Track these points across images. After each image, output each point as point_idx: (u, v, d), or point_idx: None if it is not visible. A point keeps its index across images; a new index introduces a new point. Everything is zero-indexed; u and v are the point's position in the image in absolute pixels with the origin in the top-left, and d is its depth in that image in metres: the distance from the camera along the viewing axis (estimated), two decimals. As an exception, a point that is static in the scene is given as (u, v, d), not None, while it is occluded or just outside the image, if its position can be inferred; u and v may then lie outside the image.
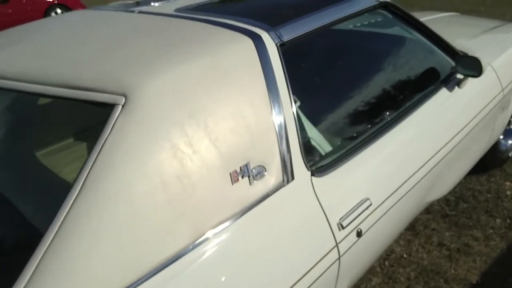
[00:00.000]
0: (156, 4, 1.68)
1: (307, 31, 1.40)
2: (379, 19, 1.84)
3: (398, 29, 1.84)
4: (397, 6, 1.76)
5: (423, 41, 1.87)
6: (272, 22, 1.36)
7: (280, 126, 1.22)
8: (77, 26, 1.49)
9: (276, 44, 1.29)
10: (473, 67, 1.78)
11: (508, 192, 2.65)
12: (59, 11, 8.77)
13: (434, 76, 1.87)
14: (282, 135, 1.22)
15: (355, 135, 1.53)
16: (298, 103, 1.40)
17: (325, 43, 1.73)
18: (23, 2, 8.27)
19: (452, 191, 2.59)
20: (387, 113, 1.62)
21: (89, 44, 1.28)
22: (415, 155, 1.61)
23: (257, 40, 1.26)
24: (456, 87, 1.87)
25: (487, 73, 2.09)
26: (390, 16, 1.77)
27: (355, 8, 1.59)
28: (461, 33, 2.63)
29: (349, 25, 1.85)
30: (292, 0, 1.65)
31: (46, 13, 8.60)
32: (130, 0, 1.88)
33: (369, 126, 1.57)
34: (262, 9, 1.52)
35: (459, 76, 1.89)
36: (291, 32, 1.35)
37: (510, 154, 2.86)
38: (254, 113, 1.17)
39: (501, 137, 2.73)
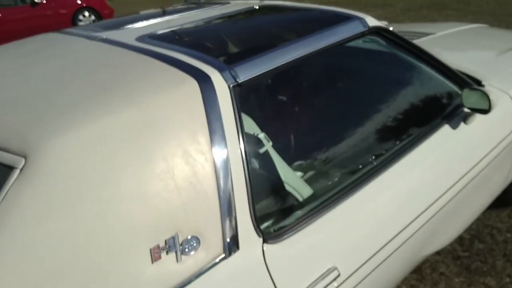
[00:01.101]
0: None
1: (272, 68, 1.20)
2: (371, 47, 1.61)
3: (391, 57, 1.61)
4: (392, 31, 1.53)
5: (423, 70, 1.63)
6: (230, 58, 1.18)
7: (224, 183, 1.03)
8: (19, 59, 1.36)
9: (229, 86, 1.11)
10: (480, 102, 1.52)
11: (532, 232, 2.34)
12: (87, 14, 8.89)
13: (434, 111, 1.62)
14: (227, 195, 1.03)
15: (325, 187, 1.33)
16: (254, 153, 1.21)
17: (297, 78, 1.52)
18: (52, 6, 8.42)
19: (468, 228, 2.31)
20: (370, 159, 1.39)
21: (15, 84, 1.14)
22: (405, 208, 1.38)
23: (205, 82, 1.08)
24: (462, 124, 1.62)
25: (504, 103, 1.81)
26: (383, 43, 1.54)
27: (337, 37, 1.38)
28: (483, 50, 2.35)
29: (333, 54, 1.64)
30: (266, 28, 1.46)
31: (74, 16, 8.74)
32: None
33: (345, 175, 1.36)
34: (224, 41, 1.33)
35: (467, 110, 1.64)
36: (250, 71, 1.16)
37: (538, 186, 2.54)
38: (190, 171, 0.99)
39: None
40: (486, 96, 1.50)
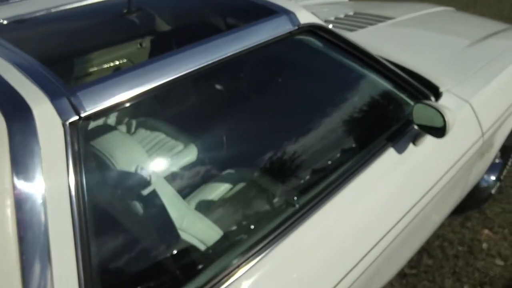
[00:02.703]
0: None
1: (146, 90, 0.85)
2: (302, 50, 1.27)
3: (328, 63, 1.28)
4: (330, 30, 1.19)
5: (368, 77, 1.31)
6: (77, 77, 0.82)
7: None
8: None
9: (63, 123, 0.75)
10: (434, 121, 1.24)
11: (484, 245, 2.15)
12: None
13: (379, 128, 1.33)
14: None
15: (241, 232, 1.03)
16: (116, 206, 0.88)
17: (190, 98, 1.18)
18: None
19: (416, 240, 2.10)
20: (294, 198, 1.09)
21: None
22: (341, 251, 1.10)
23: (19, 121, 0.72)
24: (411, 145, 1.33)
25: (463, 114, 1.54)
26: (319, 44, 1.21)
27: (251, 39, 1.03)
28: (445, 43, 2.05)
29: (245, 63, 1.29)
30: (150, 26, 1.08)
31: None
32: None
33: (264, 220, 1.05)
34: (77, 48, 0.96)
35: (417, 127, 1.35)
36: (104, 97, 0.80)
37: (492, 191, 2.34)
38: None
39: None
40: (441, 117, 1.20)
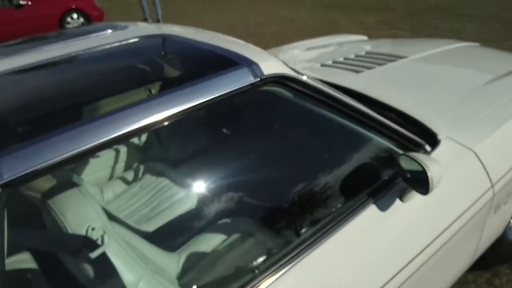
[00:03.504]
0: None
1: (74, 153, 0.81)
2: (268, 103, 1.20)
3: (301, 116, 1.20)
4: (301, 81, 1.12)
5: (348, 128, 1.21)
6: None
7: None
8: None
9: None
10: (419, 177, 1.11)
11: (513, 307, 1.91)
12: (75, 16, 8.57)
13: (362, 182, 1.21)
14: None
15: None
16: None
17: (134, 160, 1.13)
18: (38, 8, 8.12)
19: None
20: (256, 262, 1.00)
21: None
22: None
23: None
24: (397, 200, 1.20)
25: (467, 165, 1.39)
26: (289, 95, 1.14)
27: (205, 95, 0.98)
28: (456, 83, 1.91)
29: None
30: (105, 80, 1.06)
31: (61, 19, 8.43)
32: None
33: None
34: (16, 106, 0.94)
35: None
36: (28, 162, 0.77)
37: (523, 245, 2.10)
38: None
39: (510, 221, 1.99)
40: (424, 174, 1.08)
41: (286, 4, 10.33)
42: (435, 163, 1.11)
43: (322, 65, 2.27)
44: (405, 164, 1.16)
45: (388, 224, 1.17)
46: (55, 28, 8.41)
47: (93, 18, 8.83)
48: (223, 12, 9.97)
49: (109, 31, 1.46)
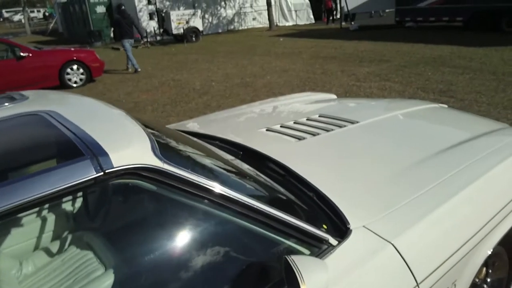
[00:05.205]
0: None
1: None
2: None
3: (161, 211, 1.05)
4: (162, 171, 0.98)
5: (219, 218, 1.05)
6: None
7: None
8: None
9: None
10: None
11: None
12: (75, 67, 8.75)
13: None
14: None
15: None
16: None
17: None
18: (38, 59, 8.32)
19: None
20: None
21: None
22: None
23: None
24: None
25: (384, 260, 1.21)
26: (152, 187, 0.99)
27: (34, 191, 0.85)
28: (398, 154, 1.76)
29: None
30: None
31: (61, 69, 8.61)
32: None
33: None
34: None
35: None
36: None
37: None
38: None
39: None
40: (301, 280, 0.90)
41: (284, 56, 10.48)
42: (319, 272, 0.94)
43: (268, 130, 2.15)
44: (289, 269, 0.98)
45: None
46: (55, 79, 8.59)
47: (93, 69, 9.01)
48: (222, 63, 10.13)
49: (6, 104, 1.38)
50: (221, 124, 2.40)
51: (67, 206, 1.51)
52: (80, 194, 0.89)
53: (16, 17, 42.27)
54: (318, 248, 1.15)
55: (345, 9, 17.36)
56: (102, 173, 0.91)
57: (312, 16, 22.73)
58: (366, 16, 19.25)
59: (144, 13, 17.62)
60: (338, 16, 19.88)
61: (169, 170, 0.98)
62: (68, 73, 8.78)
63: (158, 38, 17.32)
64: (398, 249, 1.23)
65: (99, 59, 9.21)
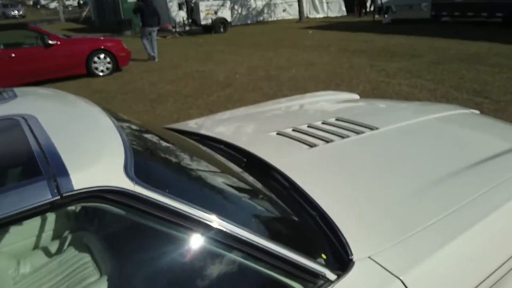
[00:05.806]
0: None
1: None
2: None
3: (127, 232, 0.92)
4: (131, 194, 0.86)
5: (196, 248, 0.92)
6: None
7: None
8: None
9: None
10: None
11: None
12: (102, 56, 8.80)
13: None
14: None
15: None
16: None
17: None
18: (66, 47, 8.41)
19: None
20: None
21: None
22: None
23: None
24: None
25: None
26: (119, 211, 0.87)
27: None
28: (418, 169, 1.57)
29: None
30: None
31: (89, 58, 8.67)
32: None
33: None
34: None
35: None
36: None
37: None
38: None
39: None
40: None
41: (312, 49, 10.22)
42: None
43: (278, 133, 2.00)
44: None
45: None
46: (82, 67, 8.66)
47: (120, 59, 9.04)
48: (248, 55, 9.97)
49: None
50: (229, 126, 2.26)
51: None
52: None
53: (52, 5, 43.36)
54: (313, 284, 1.01)
55: (379, 2, 16.81)
56: (58, 197, 0.79)
57: (344, 8, 22.17)
58: (405, 9, 18.53)
59: (173, 3, 17.61)
60: (372, 8, 19.28)
61: (140, 194, 0.86)
62: (95, 62, 8.83)
63: (187, 28, 17.30)
64: (407, 285, 1.07)
65: (126, 49, 9.23)
